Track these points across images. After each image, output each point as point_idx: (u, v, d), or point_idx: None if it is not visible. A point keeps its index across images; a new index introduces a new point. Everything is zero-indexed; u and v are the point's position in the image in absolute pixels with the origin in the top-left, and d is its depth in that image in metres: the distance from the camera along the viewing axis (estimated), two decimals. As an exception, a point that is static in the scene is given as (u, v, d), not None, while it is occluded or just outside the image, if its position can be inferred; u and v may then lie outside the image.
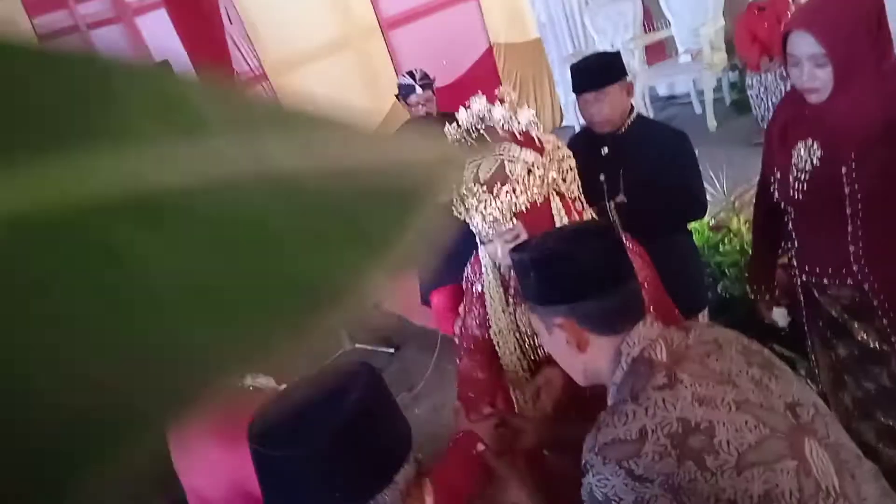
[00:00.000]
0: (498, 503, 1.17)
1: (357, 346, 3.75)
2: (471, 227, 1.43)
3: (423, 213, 0.26)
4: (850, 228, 1.56)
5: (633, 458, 0.88)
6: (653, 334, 1.03)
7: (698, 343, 1.02)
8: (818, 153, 1.57)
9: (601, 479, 0.90)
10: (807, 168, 1.59)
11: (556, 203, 1.41)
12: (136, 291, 0.17)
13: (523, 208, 1.36)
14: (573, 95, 2.24)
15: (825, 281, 1.68)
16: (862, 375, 1.71)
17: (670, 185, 2.03)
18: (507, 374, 1.58)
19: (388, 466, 0.91)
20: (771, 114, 4.39)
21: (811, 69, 1.49)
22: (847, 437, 0.99)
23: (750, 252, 2.20)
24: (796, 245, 1.74)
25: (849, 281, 1.62)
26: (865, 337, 1.65)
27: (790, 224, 1.73)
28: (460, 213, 1.40)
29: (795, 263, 1.76)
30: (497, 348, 1.57)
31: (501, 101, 1.40)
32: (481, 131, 1.40)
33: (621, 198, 2.08)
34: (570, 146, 1.53)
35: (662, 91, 6.67)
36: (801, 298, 1.80)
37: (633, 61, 5.65)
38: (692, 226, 2.40)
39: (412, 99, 3.13)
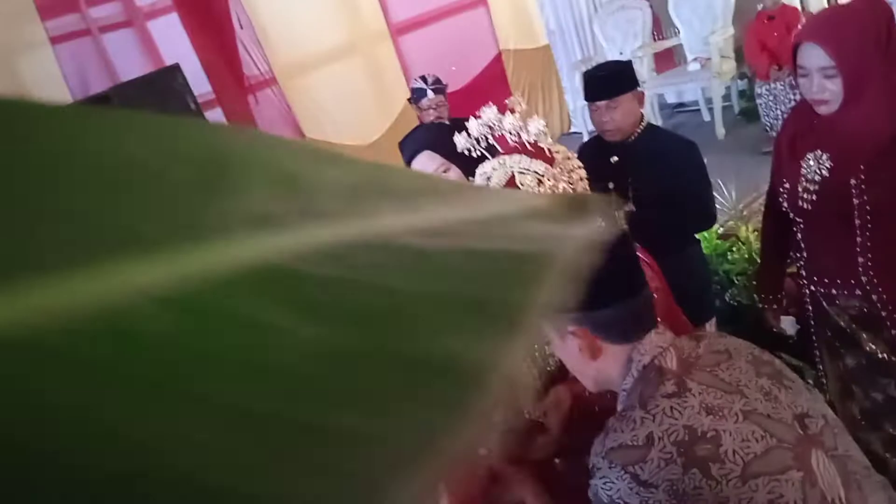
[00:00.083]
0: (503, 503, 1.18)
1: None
2: None
3: (553, 283, 0.23)
4: (858, 239, 1.57)
5: (638, 463, 0.89)
6: (664, 343, 1.04)
7: (708, 352, 1.03)
8: (827, 164, 1.57)
9: (607, 482, 0.91)
10: (815, 179, 1.60)
11: None
12: (284, 371, 0.16)
13: None
14: (581, 102, 2.26)
15: (833, 291, 1.68)
16: (870, 386, 1.71)
17: (679, 194, 2.03)
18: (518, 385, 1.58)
19: None
20: (779, 123, 4.39)
21: (821, 81, 1.50)
22: (857, 448, 1.00)
23: (758, 261, 2.20)
24: (805, 255, 1.74)
25: (857, 292, 1.62)
26: (873, 347, 1.65)
27: (799, 234, 1.74)
28: None
29: (804, 273, 1.77)
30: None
31: (512, 111, 1.41)
32: (491, 141, 1.41)
33: (629, 206, 2.09)
34: (579, 154, 1.54)
35: (671, 98, 6.68)
36: (810, 308, 1.80)
37: (643, 69, 5.66)
38: (700, 234, 2.41)
39: (423, 103, 3.15)
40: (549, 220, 0.28)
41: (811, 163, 1.61)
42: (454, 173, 1.86)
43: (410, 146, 2.00)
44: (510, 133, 1.40)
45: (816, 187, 1.60)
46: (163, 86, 3.72)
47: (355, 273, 0.20)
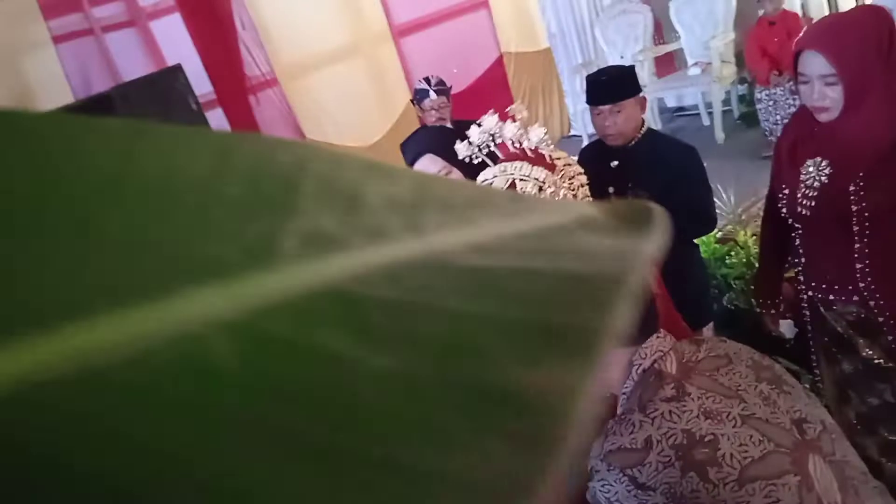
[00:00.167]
0: None
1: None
2: None
3: (624, 308, 0.22)
4: (856, 246, 1.58)
5: (637, 466, 0.90)
6: (665, 347, 1.05)
7: (709, 357, 1.04)
8: (827, 170, 1.58)
9: (605, 484, 0.92)
10: (815, 185, 1.61)
11: None
12: (351, 399, 0.16)
13: None
14: (582, 106, 2.27)
15: (831, 297, 1.70)
16: (866, 391, 1.72)
17: (679, 199, 2.04)
18: None
19: None
20: (779, 128, 4.40)
21: (822, 88, 1.51)
22: (854, 454, 1.01)
23: (756, 265, 2.21)
24: (803, 261, 1.76)
25: (854, 298, 1.63)
26: (870, 353, 1.66)
27: (797, 240, 1.75)
28: None
29: (802, 279, 1.78)
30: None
31: (513, 119, 1.42)
32: (492, 148, 1.42)
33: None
34: (579, 158, 1.55)
35: (671, 102, 6.69)
36: (807, 313, 1.81)
37: (643, 73, 5.67)
38: (699, 238, 2.42)
39: (426, 104, 3.17)
40: (601, 231, 0.26)
41: (811, 169, 1.62)
42: (456, 177, 1.87)
43: (413, 148, 2.01)
44: (511, 141, 1.42)
45: (815, 193, 1.61)
46: (164, 86, 3.73)
47: (416, 296, 0.19)
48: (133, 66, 4.17)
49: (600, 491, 0.93)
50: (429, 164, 1.92)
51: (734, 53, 5.65)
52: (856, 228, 1.56)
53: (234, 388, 0.15)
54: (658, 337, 1.05)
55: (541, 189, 1.38)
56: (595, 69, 2.34)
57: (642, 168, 2.12)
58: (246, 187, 0.19)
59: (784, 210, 1.72)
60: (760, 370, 1.03)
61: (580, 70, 6.39)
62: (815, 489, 0.88)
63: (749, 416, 0.93)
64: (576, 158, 2.09)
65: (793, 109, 4.22)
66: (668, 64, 6.36)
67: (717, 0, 5.71)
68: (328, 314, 0.17)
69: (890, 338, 1.61)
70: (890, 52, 1.49)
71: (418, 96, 3.21)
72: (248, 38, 4.52)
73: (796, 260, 1.79)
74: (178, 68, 3.85)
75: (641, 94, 2.17)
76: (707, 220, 2.19)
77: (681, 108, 6.68)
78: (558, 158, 1.44)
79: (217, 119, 4.31)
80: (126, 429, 0.13)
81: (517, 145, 1.42)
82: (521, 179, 1.38)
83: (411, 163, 1.98)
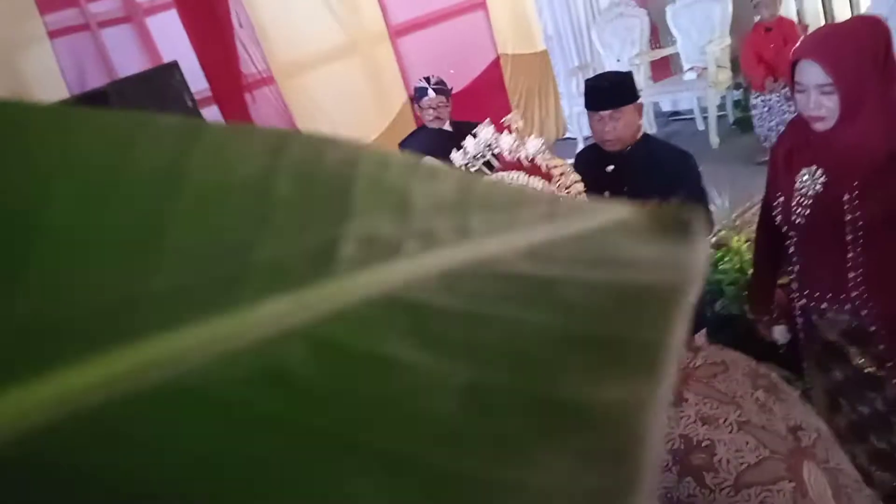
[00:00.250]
0: None
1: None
2: None
3: (681, 321, 0.21)
4: (849, 255, 1.59)
5: None
6: None
7: (706, 364, 1.04)
8: (821, 179, 1.59)
9: None
10: (809, 194, 1.62)
11: None
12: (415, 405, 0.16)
13: None
14: (577, 108, 2.28)
15: (823, 305, 1.71)
16: (857, 399, 1.74)
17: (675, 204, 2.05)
18: None
19: None
20: (773, 134, 4.41)
21: (818, 97, 1.52)
22: (848, 462, 1.02)
23: (749, 271, 2.22)
24: (797, 269, 1.77)
25: (847, 307, 1.64)
26: (862, 362, 1.68)
27: (791, 248, 1.76)
28: None
29: (795, 286, 1.79)
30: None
31: (510, 131, 1.43)
32: (488, 158, 1.43)
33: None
34: (575, 162, 1.55)
35: (666, 107, 6.71)
36: (800, 321, 1.82)
37: (639, 77, 5.68)
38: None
39: (424, 102, 3.18)
40: (641, 236, 0.26)
41: (805, 178, 1.63)
42: None
43: (414, 149, 2.02)
44: (508, 152, 1.42)
45: (810, 202, 1.62)
46: (160, 83, 3.72)
47: (473, 305, 0.18)
48: (129, 62, 4.16)
49: None
50: None
51: (730, 59, 5.67)
52: (849, 237, 1.57)
53: (311, 397, 0.15)
54: None
55: None
56: (591, 72, 2.35)
57: (638, 173, 2.12)
58: (298, 187, 0.19)
59: (779, 218, 1.73)
60: (757, 378, 1.04)
61: (576, 73, 6.42)
62: (810, 495, 0.89)
63: (745, 422, 0.94)
64: (571, 161, 2.10)
65: (787, 116, 4.24)
66: (664, 68, 6.38)
67: (714, 5, 5.73)
68: (392, 323, 0.17)
69: (881, 347, 1.62)
70: (886, 64, 1.51)
71: (417, 94, 3.23)
72: (244, 36, 4.51)
73: (790, 268, 1.80)
74: (174, 65, 3.84)
75: (639, 100, 2.18)
76: (702, 226, 2.19)
77: (676, 113, 6.70)
78: (555, 167, 1.45)
79: (212, 116, 4.30)
80: (214, 443, 0.13)
81: (514, 157, 1.42)
82: None
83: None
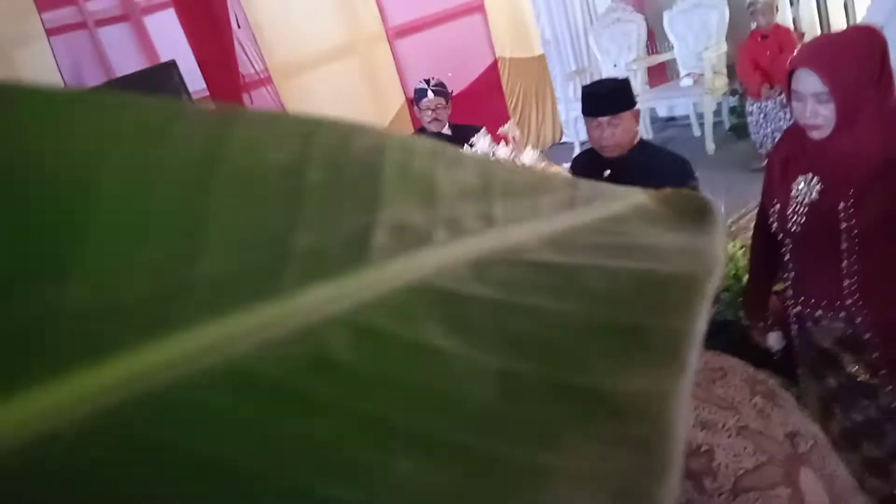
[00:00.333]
0: None
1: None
2: None
3: (703, 309, 0.21)
4: (844, 263, 1.60)
5: None
6: None
7: (705, 370, 1.05)
8: (818, 187, 1.60)
9: None
10: (805, 202, 1.63)
11: None
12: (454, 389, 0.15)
13: None
14: (574, 112, 2.29)
15: (818, 313, 1.71)
16: (850, 407, 1.74)
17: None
18: None
19: None
20: (769, 141, 4.41)
21: (814, 106, 1.53)
22: (844, 469, 1.02)
23: (744, 277, 2.23)
24: (792, 275, 1.77)
25: (841, 314, 1.65)
26: (855, 369, 1.68)
27: (787, 255, 1.77)
28: None
29: (790, 293, 1.80)
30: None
31: (506, 142, 1.44)
32: None
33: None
34: (571, 166, 1.56)
35: (662, 112, 6.73)
36: (794, 328, 1.83)
37: (636, 82, 5.70)
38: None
39: (423, 103, 3.19)
40: (659, 222, 0.26)
41: (801, 186, 1.64)
42: None
43: None
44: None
45: (806, 210, 1.63)
46: (158, 82, 3.72)
47: (502, 292, 0.19)
48: (126, 61, 4.15)
49: None
50: None
51: (726, 65, 5.69)
52: (845, 245, 1.58)
53: (355, 384, 0.15)
54: None
55: None
56: (588, 77, 2.36)
57: (634, 178, 2.09)
58: (329, 173, 0.19)
59: (774, 225, 1.74)
60: (755, 384, 1.04)
61: (574, 77, 6.43)
62: (806, 501, 0.89)
63: (744, 427, 0.94)
64: (568, 166, 2.10)
65: (783, 123, 4.26)
66: (661, 74, 6.40)
67: (711, 12, 5.75)
68: (428, 311, 0.17)
69: (875, 355, 1.63)
70: (881, 73, 1.52)
71: (417, 96, 3.24)
72: (242, 36, 4.51)
73: (785, 275, 1.81)
74: (171, 64, 3.84)
75: (637, 107, 2.19)
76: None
77: (672, 118, 6.72)
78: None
79: (210, 116, 4.30)
80: (266, 427, 0.14)
81: None
82: None
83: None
